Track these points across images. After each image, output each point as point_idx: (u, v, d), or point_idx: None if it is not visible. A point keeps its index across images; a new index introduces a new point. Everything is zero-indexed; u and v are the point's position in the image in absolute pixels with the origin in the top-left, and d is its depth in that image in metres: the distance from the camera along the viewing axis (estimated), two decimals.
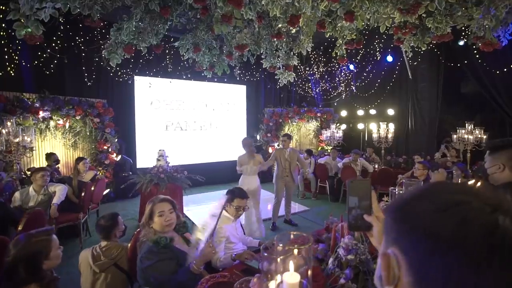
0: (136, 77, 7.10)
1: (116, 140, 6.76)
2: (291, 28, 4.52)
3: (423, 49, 4.33)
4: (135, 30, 4.10)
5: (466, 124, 5.42)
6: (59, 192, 3.46)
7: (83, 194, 3.90)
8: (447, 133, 6.66)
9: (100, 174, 6.29)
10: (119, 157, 6.69)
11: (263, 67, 5.05)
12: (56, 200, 3.37)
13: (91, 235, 4.28)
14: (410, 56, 4.83)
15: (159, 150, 5.11)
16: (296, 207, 5.95)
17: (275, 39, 4.89)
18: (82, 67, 5.96)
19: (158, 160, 5.03)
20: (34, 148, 4.13)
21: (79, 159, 4.56)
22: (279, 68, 5.19)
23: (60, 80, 6.09)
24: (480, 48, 3.87)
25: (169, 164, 5.06)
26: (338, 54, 4.79)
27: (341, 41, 4.61)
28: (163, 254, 1.67)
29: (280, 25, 4.35)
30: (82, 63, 6.01)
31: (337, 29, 4.32)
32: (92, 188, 4.35)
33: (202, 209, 5.77)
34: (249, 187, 4.07)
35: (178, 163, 7.23)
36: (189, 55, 4.91)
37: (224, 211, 2.27)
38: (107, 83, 6.81)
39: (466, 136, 5.40)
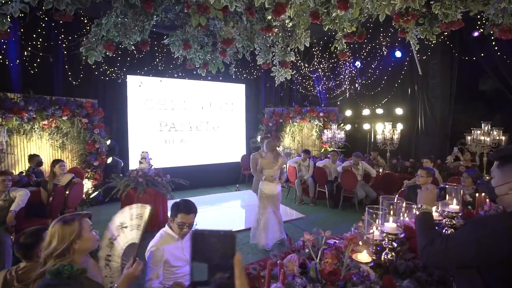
0: (128, 76, 6.90)
1: (109, 141, 6.58)
2: (284, 20, 4.17)
3: (433, 41, 3.83)
4: (120, 26, 3.87)
5: (482, 124, 4.81)
6: (19, 198, 3.21)
7: (51, 198, 3.65)
8: (462, 134, 6.02)
9: (91, 173, 6.12)
10: (110, 159, 6.49)
11: (258, 63, 4.69)
12: (14, 207, 3.13)
13: None
14: (417, 48, 4.32)
15: (142, 152, 4.84)
16: (293, 213, 5.52)
17: (269, 34, 4.55)
18: (68, 66, 5.77)
19: (140, 162, 4.76)
20: (4, 150, 3.93)
21: (55, 162, 4.35)
22: (275, 65, 4.81)
23: (48, 80, 5.95)
24: (497, 35, 3.35)
25: (152, 167, 4.77)
26: (338, 48, 4.36)
27: (340, 34, 4.18)
28: None
29: (269, 17, 3.97)
30: (69, 62, 5.83)
31: (336, 21, 3.92)
32: (67, 192, 4.13)
33: None
34: (272, 192, 3.70)
35: (176, 165, 7.12)
36: (180, 53, 4.60)
37: (167, 228, 1.91)
38: (98, 83, 6.63)
39: (482, 137, 4.79)
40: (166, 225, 1.91)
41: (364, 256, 1.39)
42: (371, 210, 1.49)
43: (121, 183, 4.17)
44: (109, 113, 6.84)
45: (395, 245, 1.35)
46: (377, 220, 1.50)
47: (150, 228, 4.56)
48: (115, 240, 1.31)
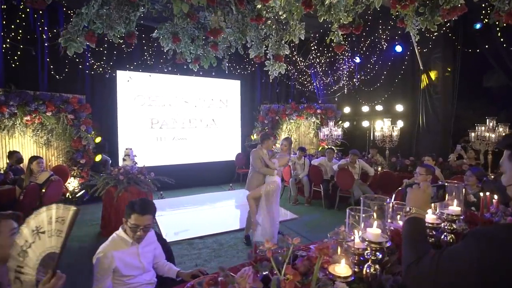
0: (118, 72, 6.67)
1: (99, 139, 6.36)
2: (278, 11, 3.92)
3: (435, 33, 3.56)
4: (105, 18, 3.64)
5: (487, 120, 4.52)
6: None
7: (21, 197, 3.41)
8: (465, 132, 5.72)
9: (77, 171, 5.89)
10: (100, 156, 6.27)
11: (251, 57, 4.45)
12: None
13: None
14: (417, 39, 4.03)
15: (126, 149, 4.60)
16: (287, 213, 5.25)
17: (262, 26, 4.31)
18: (52, 59, 5.54)
19: (123, 159, 4.51)
20: None
21: (33, 158, 4.12)
22: (269, 59, 4.56)
23: (33, 75, 5.72)
24: (503, 21, 3.08)
25: (136, 165, 4.52)
26: (334, 41, 4.10)
27: (336, 26, 3.92)
28: None
29: (259, 6, 3.72)
30: (52, 56, 5.60)
31: (331, 11, 3.67)
32: (43, 190, 3.89)
33: (180, 215, 5.20)
34: (276, 185, 3.63)
35: (168, 164, 6.88)
36: (169, 46, 4.34)
37: (121, 231, 1.65)
38: (86, 78, 6.40)
39: (486, 134, 4.50)
40: (120, 228, 1.66)
41: (342, 269, 1.12)
42: (352, 212, 1.22)
43: (100, 181, 3.92)
44: (98, 109, 6.61)
45: (380, 256, 1.08)
46: (362, 224, 1.23)
47: None
48: (29, 248, 1.05)
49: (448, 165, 4.98)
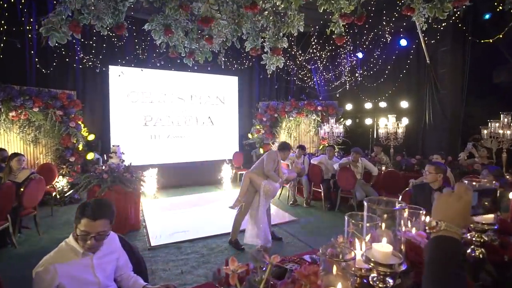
0: (110, 67, 6.41)
1: (92, 137, 6.11)
2: (275, 2, 3.67)
3: (442, 22, 3.25)
4: (93, 8, 3.40)
5: (502, 116, 4.18)
6: None
7: None
8: (476, 129, 5.39)
9: (66, 170, 5.61)
10: (92, 154, 6.01)
11: (247, 50, 4.18)
12: None
13: (16, 246, 3.52)
14: (424, 29, 3.72)
15: (113, 146, 4.33)
16: (285, 215, 4.94)
17: (258, 18, 4.06)
18: (39, 53, 5.28)
19: (110, 157, 4.24)
20: None
21: (13, 155, 3.86)
22: (266, 52, 4.28)
23: (20, 69, 5.48)
24: None
25: (124, 162, 4.25)
26: (335, 32, 3.82)
27: (337, 16, 3.65)
28: None
29: None
30: (39, 49, 5.34)
31: (332, 1, 3.41)
32: (22, 189, 3.62)
33: (171, 216, 4.91)
34: (274, 187, 3.49)
35: (162, 162, 6.59)
36: (161, 39, 4.07)
37: (71, 238, 1.37)
38: (77, 74, 6.16)
39: (500, 131, 4.16)
40: (71, 234, 1.37)
41: None
42: (352, 220, 0.92)
43: (82, 180, 3.65)
44: (90, 106, 6.37)
45: (391, 282, 0.78)
46: (365, 236, 0.93)
47: (120, 231, 4.02)
48: None
49: (459, 164, 4.65)
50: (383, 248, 0.77)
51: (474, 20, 5.22)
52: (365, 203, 0.81)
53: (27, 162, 5.46)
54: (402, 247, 0.77)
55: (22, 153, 5.38)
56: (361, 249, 0.94)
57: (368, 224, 0.85)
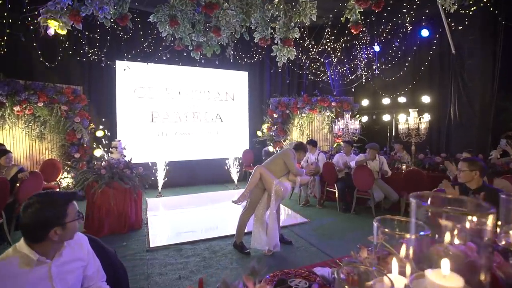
0: (117, 62, 6.28)
1: (100, 133, 5.99)
2: None
3: (471, 7, 2.83)
4: None
5: None
6: None
7: None
8: (508, 125, 4.87)
9: (71, 166, 5.49)
10: (99, 151, 5.88)
11: (256, 42, 3.92)
12: None
13: (11, 244, 3.36)
14: (453, 10, 3.31)
15: (113, 141, 4.14)
16: (297, 217, 4.60)
17: (267, 5, 3.81)
18: (43, 46, 5.17)
19: (110, 152, 4.05)
20: None
21: (2, 152, 3.73)
22: (277, 44, 4.00)
23: (26, 64, 5.40)
24: None
25: (124, 158, 4.05)
26: (350, 20, 3.50)
27: (353, 2, 3.34)
28: None
29: None
30: (44, 43, 5.25)
31: None
32: (18, 185, 3.49)
33: (175, 216, 4.68)
34: (285, 188, 3.24)
35: (170, 160, 6.39)
36: (167, 31, 3.86)
37: (22, 242, 1.10)
38: (83, 69, 6.05)
39: None
40: (22, 239, 1.11)
41: None
42: (383, 228, 0.60)
43: (78, 175, 3.46)
44: (96, 101, 6.25)
45: None
46: (404, 250, 0.62)
47: (119, 230, 3.81)
48: None
49: (491, 163, 4.16)
50: (447, 280, 0.44)
51: (508, 2, 4.69)
52: (412, 201, 0.49)
53: (33, 158, 5.40)
54: (483, 277, 0.44)
55: (27, 148, 5.34)
56: (398, 273, 0.61)
57: (413, 236, 0.53)
